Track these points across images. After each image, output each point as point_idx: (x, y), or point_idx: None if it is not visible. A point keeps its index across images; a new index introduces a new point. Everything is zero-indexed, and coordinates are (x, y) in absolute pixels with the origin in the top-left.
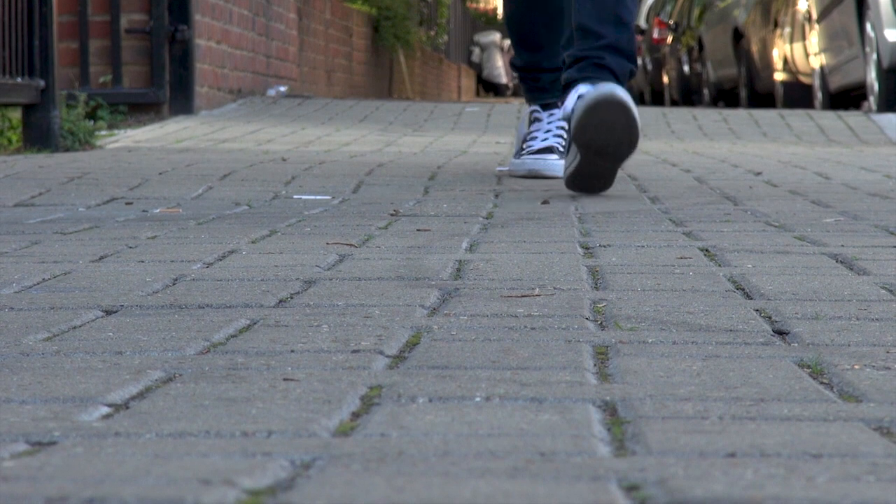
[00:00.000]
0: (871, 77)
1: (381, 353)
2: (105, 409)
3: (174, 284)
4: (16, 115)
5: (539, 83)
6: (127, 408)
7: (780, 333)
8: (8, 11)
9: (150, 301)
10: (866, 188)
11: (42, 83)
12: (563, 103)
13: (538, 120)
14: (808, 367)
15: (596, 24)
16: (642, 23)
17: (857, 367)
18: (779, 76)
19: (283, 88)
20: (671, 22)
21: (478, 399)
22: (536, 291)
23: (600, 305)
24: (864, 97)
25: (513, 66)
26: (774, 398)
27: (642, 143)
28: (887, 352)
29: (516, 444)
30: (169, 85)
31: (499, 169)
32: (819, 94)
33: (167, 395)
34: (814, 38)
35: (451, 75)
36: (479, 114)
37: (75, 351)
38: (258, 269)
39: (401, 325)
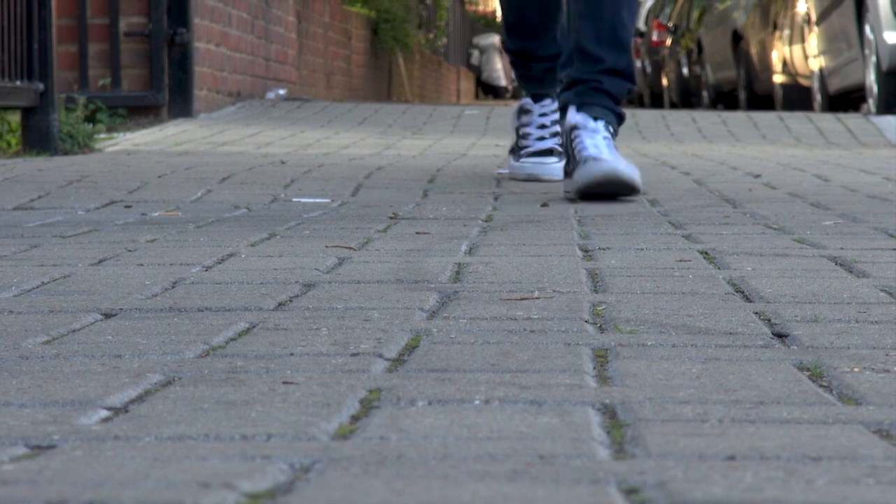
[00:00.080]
0: (871, 79)
1: (381, 356)
2: (104, 413)
3: (173, 288)
4: (15, 118)
5: (530, 72)
6: (126, 411)
7: (780, 336)
8: (7, 15)
9: (150, 304)
10: (865, 190)
11: (41, 86)
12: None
13: (528, 112)
14: (808, 369)
15: (594, 47)
16: (641, 25)
17: (856, 369)
18: (778, 78)
19: (282, 91)
20: (670, 24)
21: (477, 402)
22: (536, 294)
23: (600, 308)
24: (864, 99)
25: (506, 48)
26: (774, 401)
27: (642, 146)
28: (887, 354)
29: (515, 447)
30: (168, 88)
31: (499, 171)
32: (818, 97)
33: (166, 398)
34: (813, 40)
35: (450, 78)
36: (478, 116)
37: (74, 354)
38: (257, 273)
39: (400, 329)
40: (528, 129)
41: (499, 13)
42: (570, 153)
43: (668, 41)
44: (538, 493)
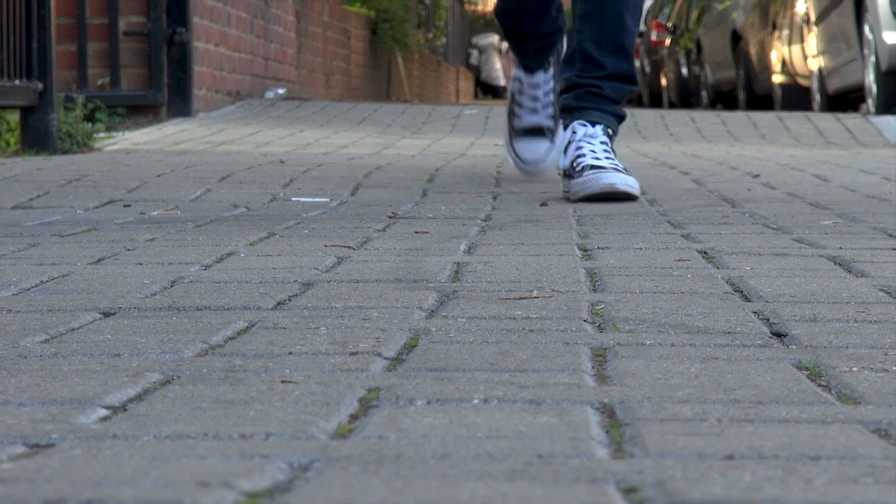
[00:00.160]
0: (870, 79)
1: (380, 355)
2: (103, 412)
3: (172, 286)
4: (14, 117)
5: (522, 47)
6: (125, 410)
7: (779, 335)
8: (6, 14)
9: (148, 303)
10: (864, 190)
11: (40, 85)
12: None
13: (519, 80)
14: (807, 369)
15: (596, 52)
16: (640, 25)
17: (855, 369)
18: (777, 78)
19: (281, 91)
20: (669, 24)
21: (476, 401)
22: (535, 293)
23: (598, 307)
24: (863, 99)
25: (497, 16)
26: (773, 400)
27: (641, 146)
28: (885, 354)
29: (514, 446)
30: (167, 87)
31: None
32: (817, 97)
33: (165, 397)
34: (812, 40)
35: (450, 78)
36: (477, 116)
37: (73, 353)
38: (256, 272)
39: (399, 328)
40: (521, 98)
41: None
42: (569, 160)
43: (667, 41)
44: (537, 493)
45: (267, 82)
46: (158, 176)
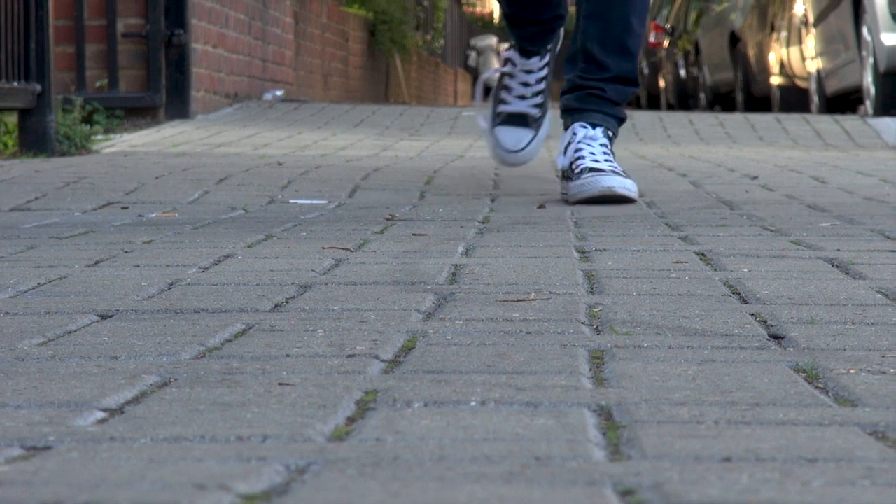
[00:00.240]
0: (868, 81)
1: (377, 357)
2: (100, 414)
3: (170, 289)
4: (12, 119)
5: (522, 31)
6: (122, 412)
7: (776, 338)
8: (4, 15)
9: (146, 306)
10: (862, 192)
11: (38, 87)
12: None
13: (511, 62)
14: (804, 371)
15: (600, 53)
16: None
17: (852, 371)
18: (775, 80)
19: (279, 93)
20: (667, 26)
21: (473, 404)
22: (532, 296)
23: (596, 310)
24: (861, 101)
25: (504, 14)
26: (770, 403)
27: (639, 148)
28: (883, 356)
29: (511, 448)
30: (165, 89)
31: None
32: (815, 98)
33: (162, 399)
34: (810, 42)
35: (448, 79)
36: (475, 118)
37: (70, 356)
38: (254, 274)
39: (396, 330)
40: (510, 82)
41: (496, 16)
42: (568, 161)
43: (666, 43)
44: (534, 495)
45: (265, 84)
46: (156, 178)
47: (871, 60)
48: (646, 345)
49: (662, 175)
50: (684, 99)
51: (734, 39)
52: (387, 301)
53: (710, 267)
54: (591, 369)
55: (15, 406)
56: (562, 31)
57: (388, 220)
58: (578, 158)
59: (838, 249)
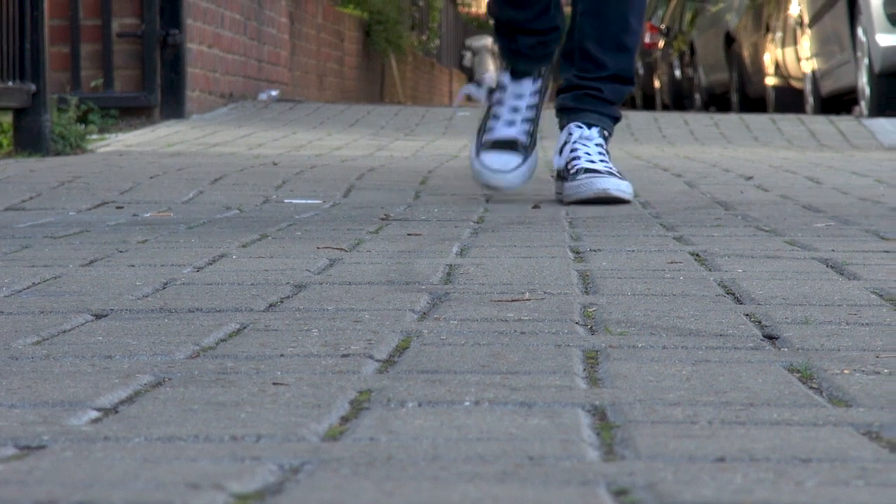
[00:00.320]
0: (863, 82)
1: (371, 357)
2: (94, 414)
3: (164, 288)
4: (7, 118)
5: (516, 44)
6: (116, 412)
7: (770, 338)
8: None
9: (140, 305)
10: (857, 193)
11: (33, 87)
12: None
13: (502, 88)
14: (798, 371)
15: (598, 51)
16: None
17: (846, 371)
18: (770, 81)
19: (274, 93)
20: (663, 26)
21: (467, 403)
22: (527, 296)
23: (590, 310)
24: (856, 102)
25: (490, 13)
26: (764, 403)
27: (634, 148)
28: (877, 356)
29: (505, 448)
30: (160, 89)
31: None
32: (810, 99)
33: (156, 399)
34: (805, 42)
35: (443, 80)
36: (470, 118)
37: (65, 355)
38: (248, 274)
39: (391, 330)
40: (499, 109)
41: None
42: (564, 161)
43: (661, 43)
44: (528, 495)
45: (260, 84)
46: (151, 178)
47: (866, 61)
48: (640, 345)
49: (657, 175)
50: (679, 99)
51: (729, 40)
52: (381, 301)
53: (705, 267)
54: (585, 369)
55: (9, 405)
56: (556, 56)
57: (382, 219)
58: (574, 159)
59: (833, 250)
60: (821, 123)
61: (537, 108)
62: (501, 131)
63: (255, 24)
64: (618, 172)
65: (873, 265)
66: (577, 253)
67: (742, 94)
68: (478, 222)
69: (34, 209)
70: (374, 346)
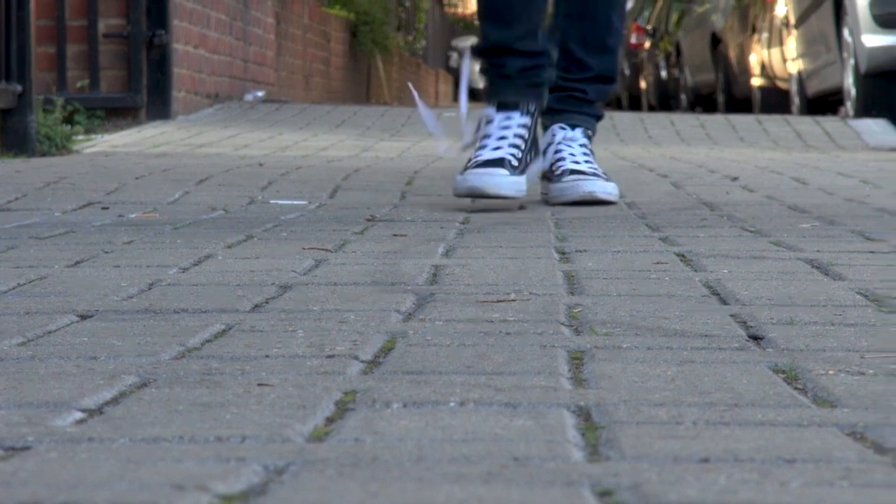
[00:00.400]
0: (849, 82)
1: (356, 358)
2: (79, 415)
3: (149, 289)
4: None
5: (504, 69)
6: (101, 413)
7: (755, 339)
8: None
9: (126, 306)
10: (843, 193)
11: (19, 88)
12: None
13: (489, 122)
14: (783, 372)
15: (582, 53)
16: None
17: (831, 372)
18: (756, 81)
19: (260, 93)
20: (649, 27)
21: (452, 404)
22: (512, 297)
23: (576, 311)
24: (842, 102)
25: (477, 52)
26: (749, 403)
27: (620, 149)
28: (862, 357)
29: (490, 449)
30: (146, 89)
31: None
32: (796, 100)
33: (141, 400)
34: (791, 43)
35: (429, 80)
36: (456, 119)
37: (50, 356)
38: (234, 274)
39: (376, 331)
40: (485, 142)
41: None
42: (548, 163)
43: (647, 44)
44: (512, 495)
45: (246, 84)
46: (137, 178)
47: (851, 62)
48: (625, 345)
49: (643, 176)
50: (665, 100)
51: (715, 41)
52: (367, 302)
53: (690, 268)
54: (570, 370)
55: None
56: (546, 93)
57: (368, 220)
58: (559, 160)
59: (818, 250)
60: (807, 124)
61: (527, 136)
62: (488, 154)
63: (241, 25)
64: (603, 173)
65: (858, 266)
66: (563, 254)
67: (728, 94)
68: (463, 223)
69: (20, 210)
70: (359, 347)
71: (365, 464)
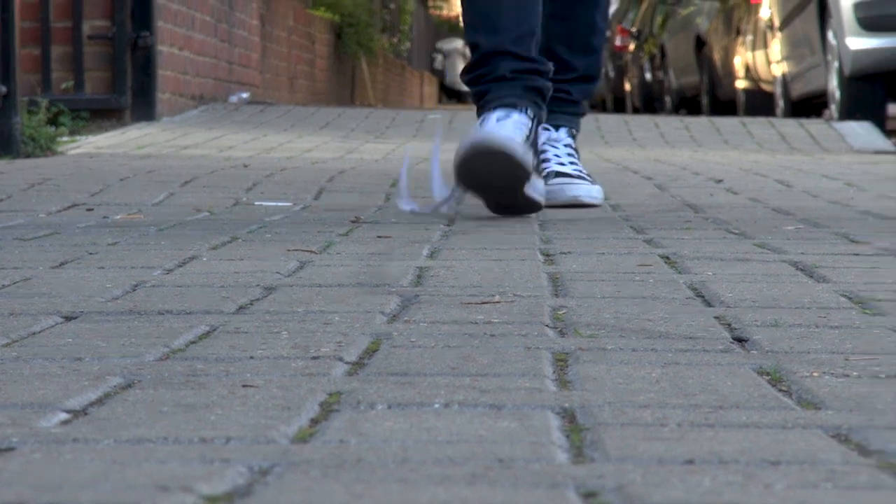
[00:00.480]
0: (833, 85)
1: (341, 359)
2: (63, 416)
3: (134, 291)
4: None
5: (496, 71)
6: (85, 414)
7: (740, 341)
8: None
9: (110, 307)
10: (827, 196)
11: (4, 89)
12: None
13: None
14: (767, 374)
15: (566, 54)
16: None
17: (815, 374)
18: (741, 84)
19: (245, 95)
20: (633, 29)
21: (437, 406)
22: (496, 298)
23: (560, 312)
24: (826, 105)
25: (466, 70)
26: (733, 405)
27: (604, 151)
28: (846, 359)
29: (475, 450)
30: (131, 91)
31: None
32: (781, 102)
33: (126, 401)
34: (776, 46)
35: (414, 82)
36: (441, 121)
37: (34, 357)
38: (218, 276)
39: (360, 332)
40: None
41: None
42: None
43: (632, 46)
44: (497, 497)
45: (231, 86)
46: (121, 180)
47: (836, 64)
48: (610, 347)
49: (627, 178)
50: (650, 102)
51: (700, 43)
52: (351, 303)
53: (675, 270)
54: (555, 372)
55: None
56: (545, 107)
57: (353, 222)
58: (543, 161)
59: (802, 253)
60: (791, 127)
61: (528, 135)
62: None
63: (225, 27)
64: (587, 175)
65: (843, 268)
66: (548, 255)
67: (712, 97)
68: (448, 225)
69: (4, 211)
70: (343, 349)
71: (349, 465)
